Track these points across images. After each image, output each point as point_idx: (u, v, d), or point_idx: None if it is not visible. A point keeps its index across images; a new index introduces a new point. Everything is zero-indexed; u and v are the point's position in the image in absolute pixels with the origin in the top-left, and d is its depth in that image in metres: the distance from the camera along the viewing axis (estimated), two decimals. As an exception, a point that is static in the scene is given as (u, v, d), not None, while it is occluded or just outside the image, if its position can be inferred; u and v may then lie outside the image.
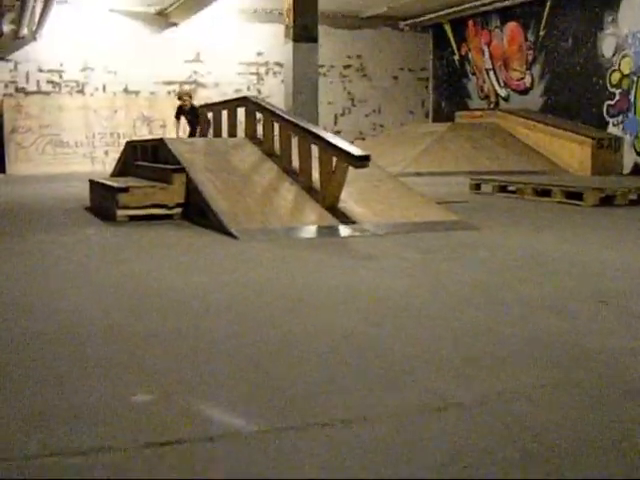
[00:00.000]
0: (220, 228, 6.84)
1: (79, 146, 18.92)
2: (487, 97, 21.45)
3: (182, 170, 7.98)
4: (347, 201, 7.42)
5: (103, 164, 18.67)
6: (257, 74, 21.46)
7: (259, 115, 9.46)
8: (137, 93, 19.96)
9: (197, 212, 7.69)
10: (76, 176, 16.18)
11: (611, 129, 17.33)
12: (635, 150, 16.78)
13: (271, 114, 8.66)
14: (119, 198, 7.71)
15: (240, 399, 2.57)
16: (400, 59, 23.13)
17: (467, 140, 18.51)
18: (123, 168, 10.81)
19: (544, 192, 10.41)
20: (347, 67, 22.52)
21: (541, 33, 19.19)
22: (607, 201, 9.65)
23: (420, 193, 8.09)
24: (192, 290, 4.39)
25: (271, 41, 20.96)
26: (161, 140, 9.07)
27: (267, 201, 7.52)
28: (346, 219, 7.10)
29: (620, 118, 17.12)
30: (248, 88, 21.03)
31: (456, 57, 22.62)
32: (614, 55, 17.16)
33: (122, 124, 19.38)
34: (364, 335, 3.37)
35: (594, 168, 16.69)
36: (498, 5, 20.10)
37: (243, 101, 9.90)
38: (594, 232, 7.18)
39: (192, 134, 14.02)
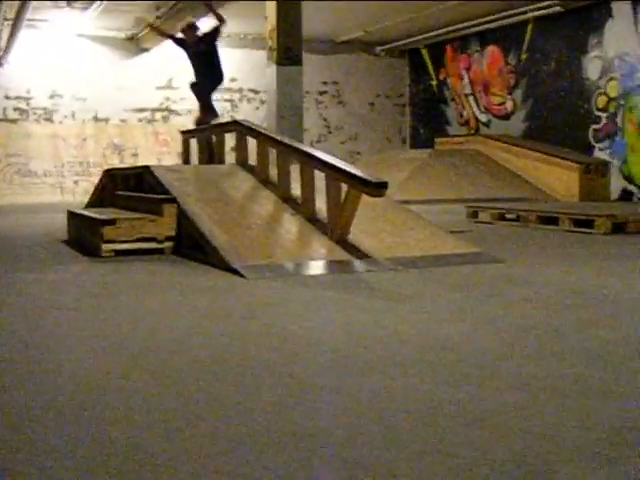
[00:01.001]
0: (221, 264, 6.18)
1: (48, 176, 18.16)
2: (467, 123, 20.98)
3: (173, 200, 7.32)
4: (355, 233, 6.78)
5: (73, 194, 17.93)
6: (231, 101, 20.83)
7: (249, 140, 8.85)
8: (107, 121, 19.24)
9: (191, 246, 7.02)
10: (46, 207, 15.46)
11: (597, 154, 16.90)
12: (623, 175, 16.35)
13: (268, 139, 8.02)
14: (104, 231, 7.02)
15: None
16: (376, 85, 22.63)
17: (450, 167, 17.99)
18: (100, 198, 10.11)
19: (549, 219, 9.87)
20: (323, 93, 21.97)
21: (523, 56, 18.79)
22: (618, 229, 9.13)
23: (431, 222, 7.48)
24: (217, 343, 3.72)
25: (245, 67, 20.42)
26: (146, 168, 8.39)
27: (270, 233, 6.87)
28: (358, 253, 6.47)
29: (607, 143, 16.70)
30: (222, 115, 20.37)
31: (434, 82, 22.16)
32: (600, 78, 16.76)
33: (92, 153, 18.64)
34: (474, 408, 2.72)
35: (581, 194, 16.24)
36: (477, 29, 19.69)
37: (233, 125, 9.26)
38: (627, 263, 6.60)
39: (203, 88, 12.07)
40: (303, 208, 7.24)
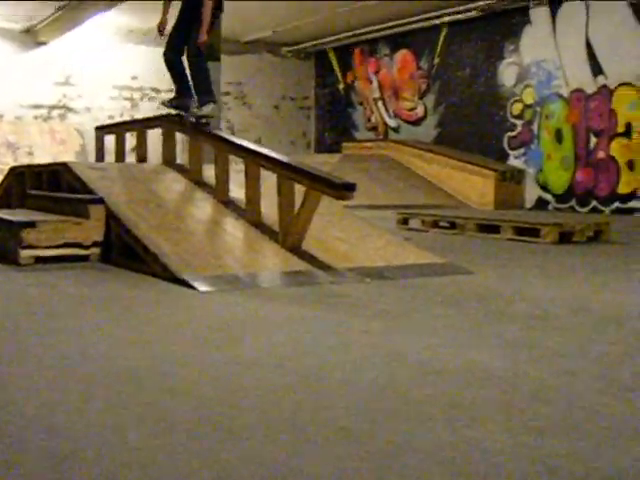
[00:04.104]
0: (165, 275, 5.43)
1: (-64, 176, 16.88)
2: (375, 128, 20.55)
3: (100, 201, 6.51)
4: (306, 240, 6.13)
5: (-36, 195, 16.70)
6: (131, 99, 19.89)
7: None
8: (1, 117, 18.04)
9: (122, 253, 6.24)
10: None
11: (512, 161, 16.67)
12: (539, 183, 16.15)
13: (206, 136, 7.28)
14: (24, 235, 6.17)
15: None
16: (282, 87, 22.02)
17: (362, 172, 17.46)
18: (5, 199, 9.16)
19: (488, 227, 9.41)
20: (226, 94, 21.18)
21: (435, 61, 18.46)
22: (564, 238, 8.72)
23: (386, 230, 6.89)
24: (207, 379, 3.01)
25: (147, 64, 19.52)
26: (64, 165, 7.53)
27: (216, 240, 6.16)
28: (316, 262, 5.81)
29: (522, 150, 16.48)
30: (121, 114, 19.45)
31: (341, 86, 21.67)
32: (516, 85, 16.55)
33: (-16, 151, 17.44)
34: (605, 470, 2.10)
35: (496, 202, 15.96)
36: (388, 32, 19.29)
37: (159, 121, 8.46)
38: (606, 276, 6.13)
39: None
40: (248, 212, 6.55)
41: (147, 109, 19.65)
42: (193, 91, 7.72)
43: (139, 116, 19.34)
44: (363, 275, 5.61)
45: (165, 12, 7.90)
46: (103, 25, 18.04)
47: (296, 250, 5.98)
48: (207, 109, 7.57)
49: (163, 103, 8.15)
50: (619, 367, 3.20)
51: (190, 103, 7.70)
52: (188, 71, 7.83)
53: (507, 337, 3.74)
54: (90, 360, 3.23)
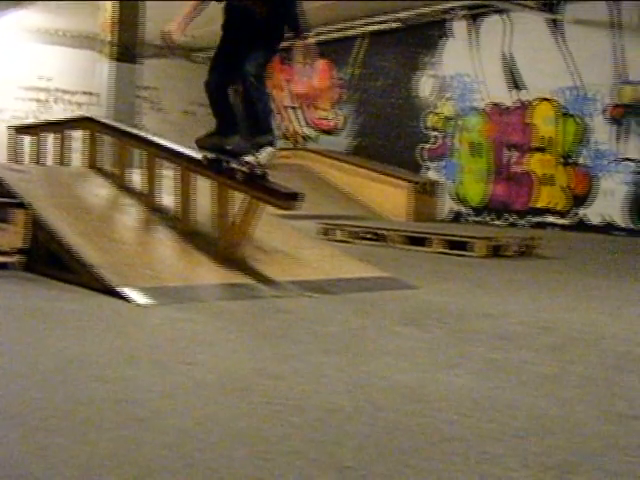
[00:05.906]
0: (95, 285, 5.07)
1: None
2: (289, 136, 20.33)
3: (24, 205, 6.12)
4: (245, 251, 5.86)
5: None
6: (39, 100, 19.26)
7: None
8: None
9: (47, 261, 5.85)
10: None
11: (428, 173, 16.68)
12: (455, 196, 16.19)
13: (135, 139, 6.94)
14: (-59, 241, 5.76)
15: None
16: (195, 93, 21.56)
17: (276, 181, 17.26)
18: None
19: (417, 240, 9.27)
20: (139, 98, 20.72)
21: (352, 71, 18.36)
22: (494, 252, 8.66)
23: (327, 242, 6.68)
24: (168, 407, 2.73)
25: (56, 65, 19.01)
26: (-18, 167, 7.12)
27: (149, 250, 5.84)
28: (257, 275, 5.54)
29: (438, 162, 16.50)
30: (29, 116, 18.81)
31: (255, 93, 21.37)
32: (433, 97, 16.56)
33: None
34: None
35: (412, 213, 15.92)
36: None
37: (83, 122, 8.06)
38: (541, 290, 6.03)
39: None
40: (180, 220, 6.24)
41: (56, 111, 19.13)
42: (247, 129, 5.93)
43: (48, 118, 18.81)
44: (306, 289, 5.37)
45: (190, 14, 6.21)
46: (9, 23, 17.43)
47: (234, 261, 5.71)
48: (265, 155, 5.79)
49: (197, 142, 6.41)
50: (607, 391, 3.04)
51: (238, 146, 5.92)
52: (240, 102, 5.88)
53: (480, 358, 3.55)
54: (32, 385, 2.91)
